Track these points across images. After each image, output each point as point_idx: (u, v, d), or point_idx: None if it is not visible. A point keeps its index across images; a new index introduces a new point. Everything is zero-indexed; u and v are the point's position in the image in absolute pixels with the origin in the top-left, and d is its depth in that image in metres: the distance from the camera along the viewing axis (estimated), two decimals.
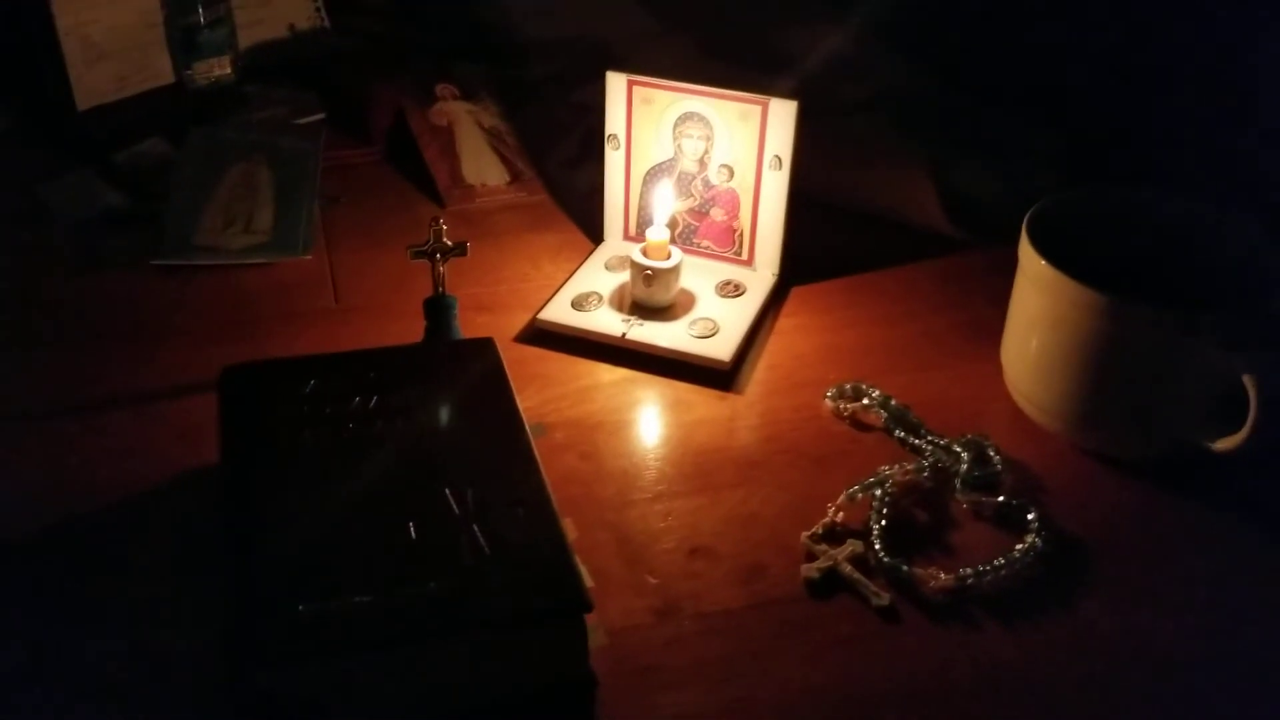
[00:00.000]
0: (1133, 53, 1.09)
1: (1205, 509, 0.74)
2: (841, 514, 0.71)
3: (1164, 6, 1.06)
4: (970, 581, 0.67)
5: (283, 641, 0.55)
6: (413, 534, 0.61)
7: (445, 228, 0.80)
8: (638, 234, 0.95)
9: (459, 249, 0.81)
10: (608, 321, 0.87)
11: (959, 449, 0.75)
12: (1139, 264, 0.79)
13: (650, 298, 0.88)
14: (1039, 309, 0.76)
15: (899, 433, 0.78)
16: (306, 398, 0.70)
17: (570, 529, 0.67)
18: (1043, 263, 0.74)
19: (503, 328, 0.88)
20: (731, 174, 0.91)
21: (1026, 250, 0.76)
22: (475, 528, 0.61)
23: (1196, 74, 1.04)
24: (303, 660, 0.55)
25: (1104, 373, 0.73)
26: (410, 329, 0.82)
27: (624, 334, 0.86)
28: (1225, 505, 0.74)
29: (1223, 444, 0.71)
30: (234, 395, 0.70)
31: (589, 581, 0.63)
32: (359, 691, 0.57)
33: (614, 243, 0.96)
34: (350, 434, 0.67)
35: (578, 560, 0.61)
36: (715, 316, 0.87)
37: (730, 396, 0.82)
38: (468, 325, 0.84)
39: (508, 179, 1.08)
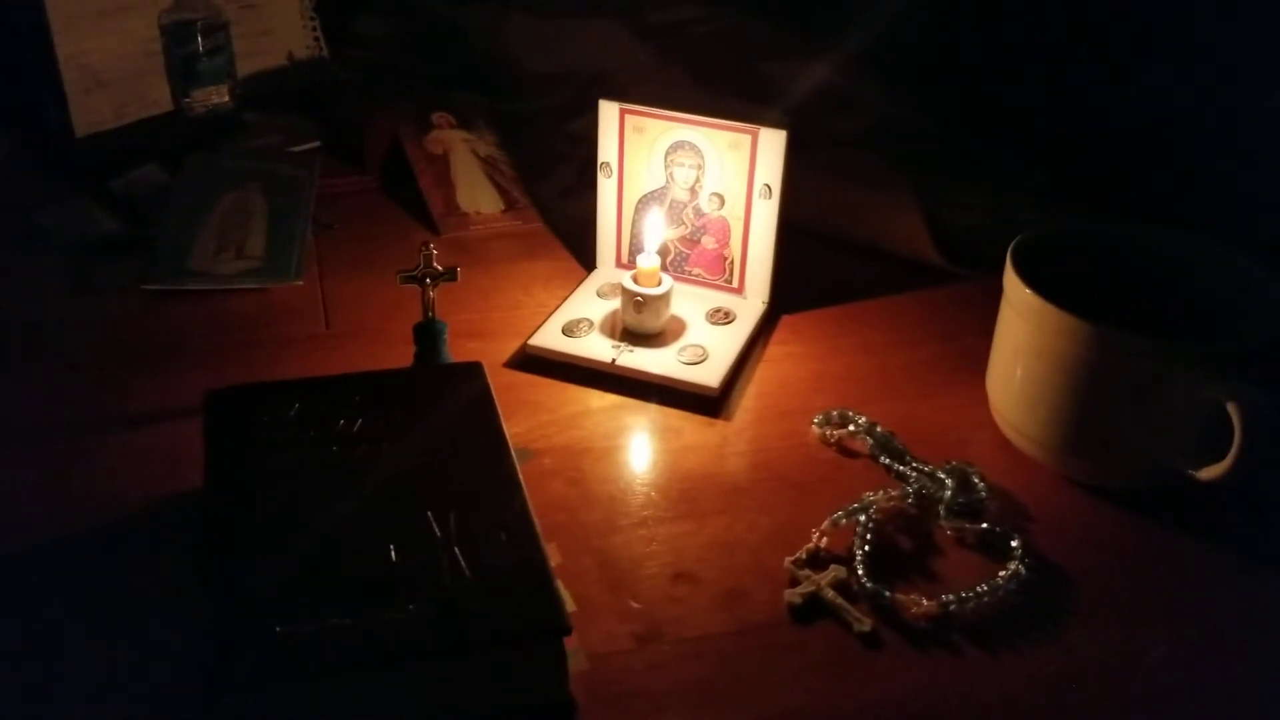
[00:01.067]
0: (1120, 87, 1.10)
1: (1190, 537, 0.73)
2: (825, 540, 0.71)
3: (1149, 43, 1.07)
4: (953, 608, 0.67)
5: (258, 663, 0.55)
6: (393, 556, 0.61)
7: (435, 252, 0.80)
8: (629, 261, 0.95)
9: (449, 274, 0.81)
10: (598, 348, 0.87)
11: (943, 476, 0.75)
12: (1123, 293, 0.80)
13: (640, 324, 0.88)
14: (1024, 338, 0.76)
15: (884, 459, 0.78)
16: (291, 421, 0.70)
17: (554, 554, 0.67)
18: (1027, 291, 0.74)
19: (494, 354, 0.88)
20: (722, 202, 0.91)
21: (1011, 279, 0.76)
22: (457, 551, 0.61)
23: (1182, 109, 1.05)
24: (277, 682, 0.55)
25: (1088, 401, 0.74)
26: (402, 355, 0.82)
27: (614, 360, 0.86)
28: (1210, 534, 0.74)
29: (1207, 473, 0.71)
30: (218, 418, 0.70)
31: (571, 605, 0.63)
32: (335, 715, 0.57)
33: (606, 270, 0.97)
34: (333, 457, 0.67)
35: (559, 584, 0.61)
36: (705, 343, 0.88)
37: (718, 423, 0.82)
38: (459, 351, 0.84)
39: (502, 207, 1.08)
